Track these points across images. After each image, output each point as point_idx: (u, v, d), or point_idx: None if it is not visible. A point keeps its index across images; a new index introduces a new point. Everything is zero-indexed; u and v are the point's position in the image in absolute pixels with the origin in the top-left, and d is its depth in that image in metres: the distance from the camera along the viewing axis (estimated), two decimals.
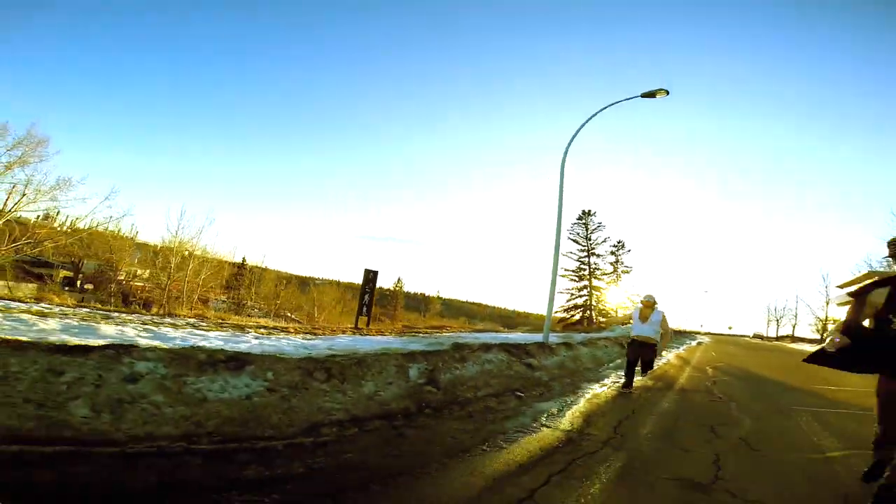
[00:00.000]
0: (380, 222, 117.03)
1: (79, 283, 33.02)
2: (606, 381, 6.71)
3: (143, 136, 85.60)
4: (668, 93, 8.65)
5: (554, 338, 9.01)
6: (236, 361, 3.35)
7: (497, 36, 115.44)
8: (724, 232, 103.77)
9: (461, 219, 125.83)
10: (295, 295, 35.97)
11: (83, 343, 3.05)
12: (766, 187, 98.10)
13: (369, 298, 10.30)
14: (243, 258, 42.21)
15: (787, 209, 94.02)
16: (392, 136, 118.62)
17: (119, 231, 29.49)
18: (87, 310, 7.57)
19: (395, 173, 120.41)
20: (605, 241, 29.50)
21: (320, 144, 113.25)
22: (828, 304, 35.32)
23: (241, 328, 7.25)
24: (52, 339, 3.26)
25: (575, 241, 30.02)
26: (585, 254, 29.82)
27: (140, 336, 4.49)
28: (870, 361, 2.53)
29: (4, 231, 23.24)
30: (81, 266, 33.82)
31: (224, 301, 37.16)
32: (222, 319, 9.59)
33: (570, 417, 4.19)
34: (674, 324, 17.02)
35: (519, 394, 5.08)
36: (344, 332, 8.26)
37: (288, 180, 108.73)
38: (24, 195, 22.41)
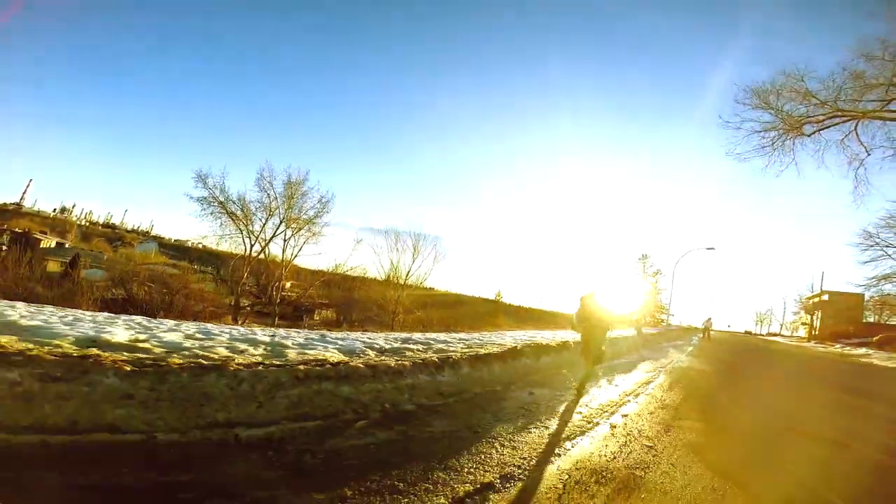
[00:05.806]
0: (381, 215, 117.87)
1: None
2: (694, 339, 25.06)
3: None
4: (714, 249, 27.27)
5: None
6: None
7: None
8: (729, 241, 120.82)
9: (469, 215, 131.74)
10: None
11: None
12: (764, 192, 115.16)
13: None
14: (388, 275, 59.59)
15: (779, 221, 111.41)
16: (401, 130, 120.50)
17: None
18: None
19: (395, 167, 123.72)
20: (654, 273, 47.92)
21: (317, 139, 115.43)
22: (784, 313, 56.76)
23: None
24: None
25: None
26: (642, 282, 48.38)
27: None
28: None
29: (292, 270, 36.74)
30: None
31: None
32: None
33: (699, 339, 22.62)
34: (687, 323, 38.73)
35: (678, 342, 23.44)
36: None
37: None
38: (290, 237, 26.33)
